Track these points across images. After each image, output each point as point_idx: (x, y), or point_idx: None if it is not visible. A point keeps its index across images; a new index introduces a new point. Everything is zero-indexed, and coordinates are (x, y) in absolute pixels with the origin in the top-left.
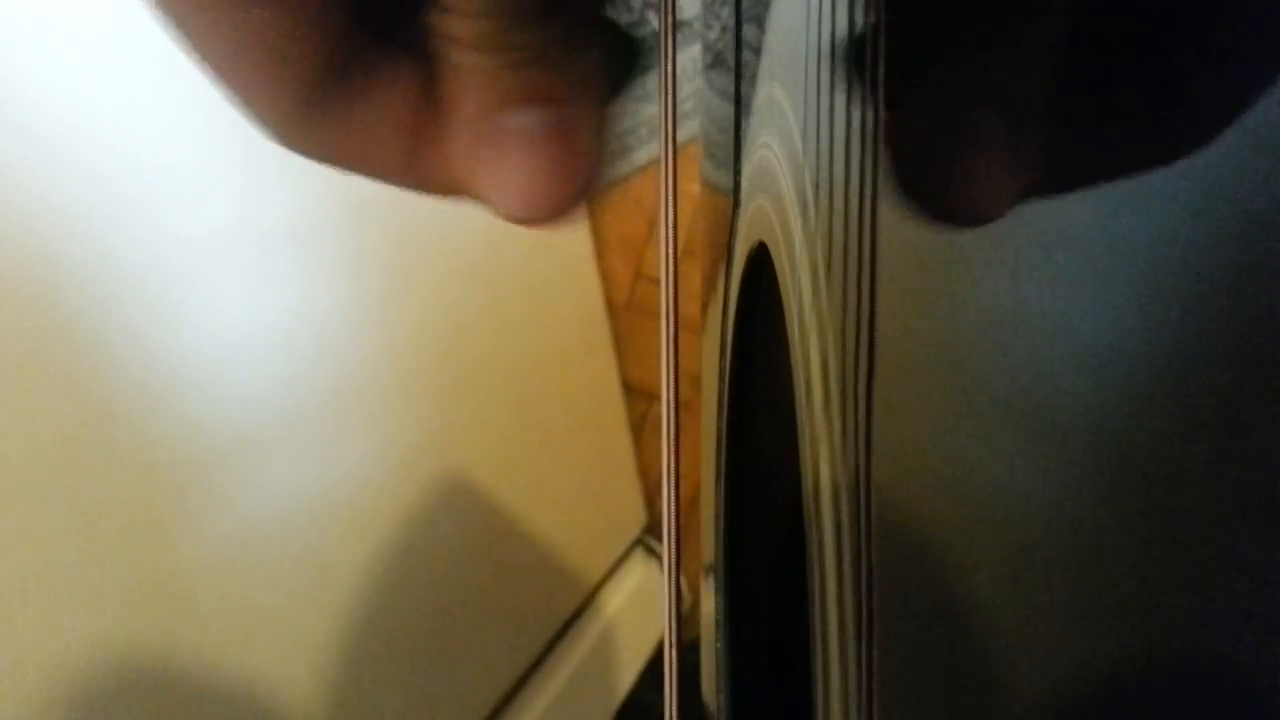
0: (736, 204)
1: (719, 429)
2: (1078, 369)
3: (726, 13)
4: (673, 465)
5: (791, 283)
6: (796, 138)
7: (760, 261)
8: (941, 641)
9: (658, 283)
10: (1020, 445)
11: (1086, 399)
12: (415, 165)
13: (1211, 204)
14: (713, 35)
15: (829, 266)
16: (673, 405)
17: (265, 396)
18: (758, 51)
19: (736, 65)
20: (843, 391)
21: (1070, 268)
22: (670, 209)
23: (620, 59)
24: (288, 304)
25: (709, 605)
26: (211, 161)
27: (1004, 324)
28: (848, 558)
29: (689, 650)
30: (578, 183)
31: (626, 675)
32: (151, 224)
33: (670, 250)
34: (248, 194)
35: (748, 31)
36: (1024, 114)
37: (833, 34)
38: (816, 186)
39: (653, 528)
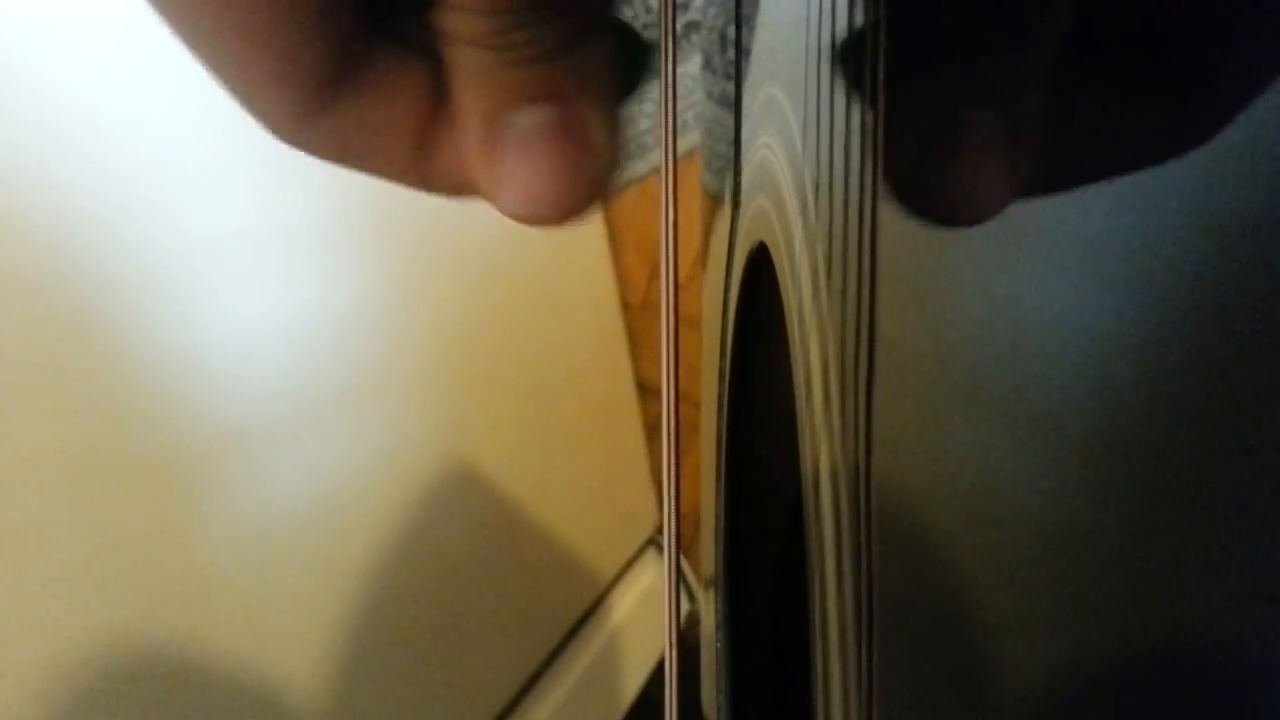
0: (736, 204)
1: (719, 429)
2: (1076, 367)
3: (713, 13)
4: (673, 465)
5: (791, 283)
6: (796, 138)
7: (760, 261)
8: (942, 641)
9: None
10: (1020, 444)
11: (1085, 397)
12: (423, 164)
13: (1206, 200)
14: (701, 36)
15: (829, 266)
16: (672, 405)
17: (278, 394)
18: (748, 53)
19: (736, 68)
20: (843, 391)
21: (1067, 265)
22: (670, 207)
23: (629, 58)
24: (302, 302)
25: (709, 606)
26: (230, 161)
27: (1003, 323)
28: (848, 557)
29: (690, 651)
30: (588, 182)
31: (638, 674)
32: (169, 222)
33: (670, 251)
34: (265, 193)
35: (736, 32)
36: (1022, 112)
37: (833, 34)
38: (816, 186)
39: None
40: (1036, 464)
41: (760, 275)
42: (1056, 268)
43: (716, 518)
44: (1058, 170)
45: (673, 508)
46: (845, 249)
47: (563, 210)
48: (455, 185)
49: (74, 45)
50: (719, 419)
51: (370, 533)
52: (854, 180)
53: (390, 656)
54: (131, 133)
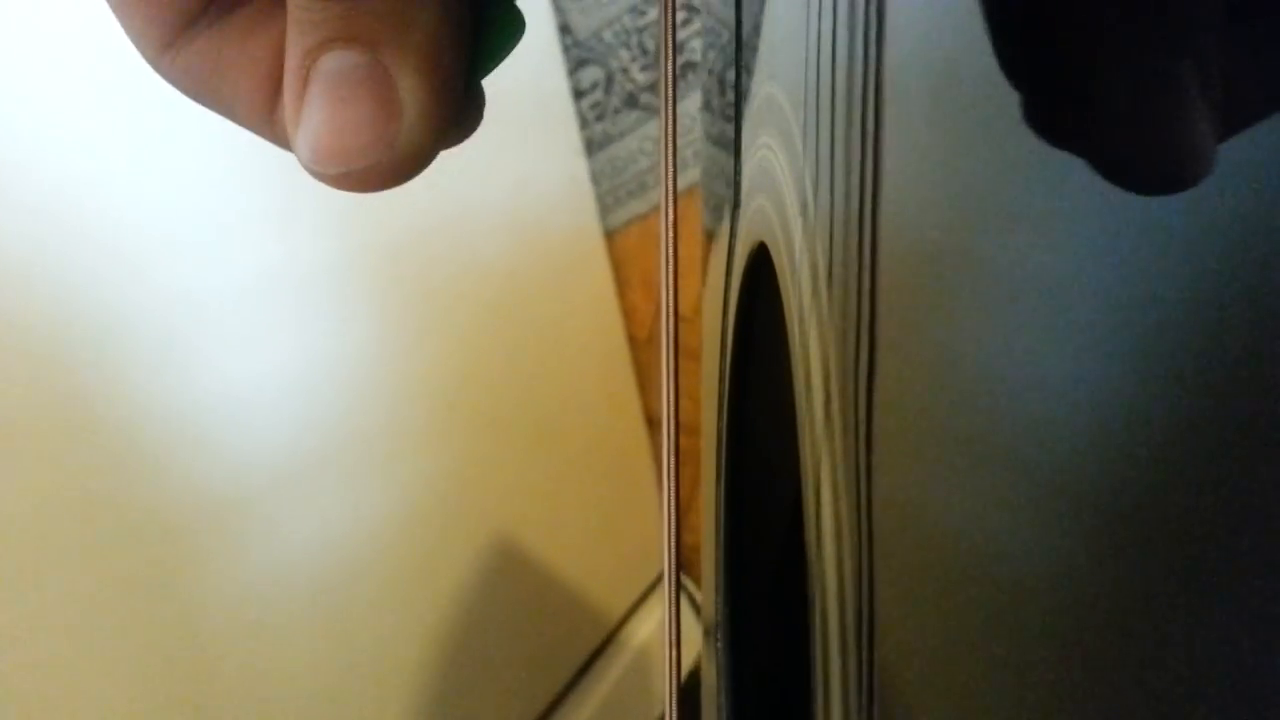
0: (736, 204)
1: (719, 429)
2: (1078, 368)
3: (713, 56)
4: (672, 467)
5: (791, 283)
6: (796, 138)
7: (760, 261)
8: (941, 644)
9: (680, 317)
10: (1022, 444)
11: (1087, 398)
12: (273, 113)
13: (1222, 248)
14: (700, 77)
15: (829, 266)
16: (673, 416)
17: (287, 441)
18: (749, 96)
19: (736, 110)
20: (843, 391)
21: (1069, 262)
22: (670, 204)
23: (490, 24)
24: (308, 352)
25: (709, 606)
26: (228, 215)
27: (1005, 322)
28: (847, 558)
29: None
30: (388, 145)
31: (651, 710)
32: (169, 278)
33: (670, 268)
34: (265, 247)
35: (736, 78)
36: (1212, 62)
37: (833, 34)
38: (816, 186)
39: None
40: (1038, 466)
41: (760, 275)
42: (1058, 268)
43: (716, 517)
44: (1243, 117)
45: (672, 506)
46: (845, 249)
47: (355, 170)
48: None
49: (71, 103)
50: (719, 418)
51: (382, 573)
52: (854, 180)
53: (402, 694)
54: (131, 191)
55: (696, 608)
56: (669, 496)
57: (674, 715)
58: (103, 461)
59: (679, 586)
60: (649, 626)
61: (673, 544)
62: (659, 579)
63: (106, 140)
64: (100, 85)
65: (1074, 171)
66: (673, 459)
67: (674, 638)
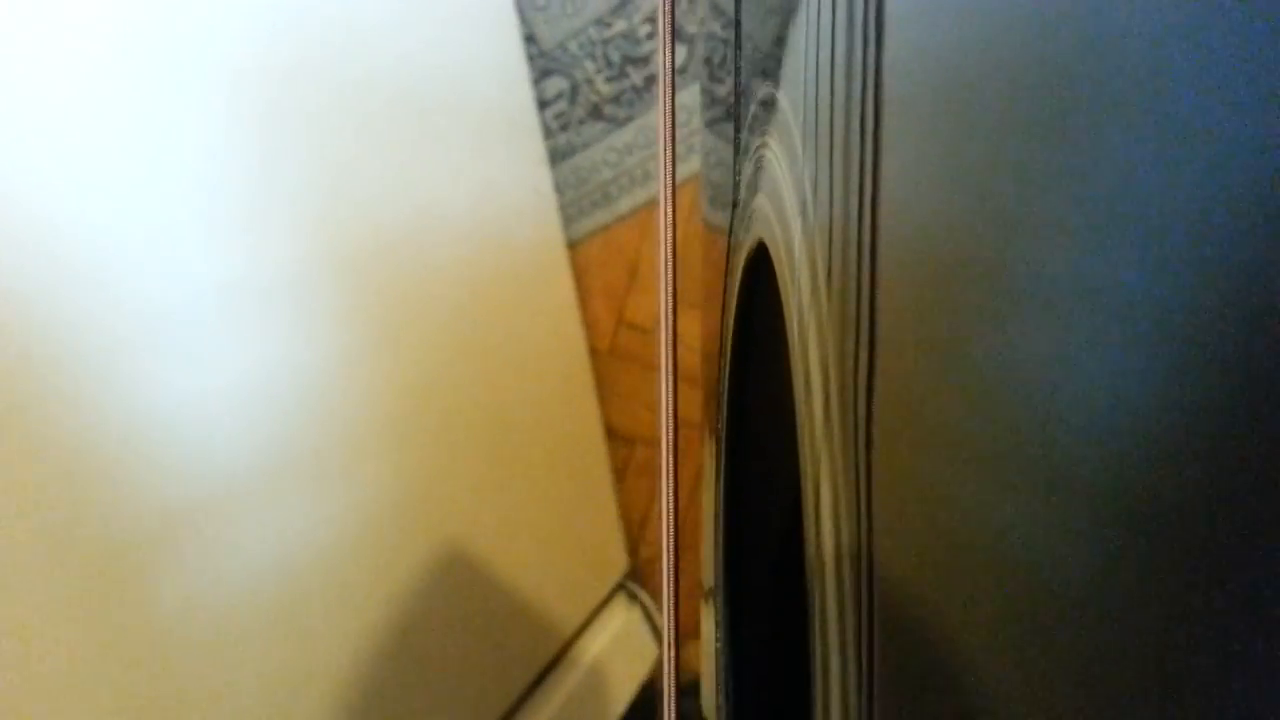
0: (736, 203)
1: (719, 427)
2: (1076, 367)
3: (712, 49)
4: (671, 469)
5: (791, 282)
6: (796, 138)
7: (760, 261)
8: (941, 643)
9: (640, 329)
10: (1019, 443)
11: (1085, 397)
12: None
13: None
14: (723, 90)
15: (829, 266)
16: (671, 417)
17: (243, 452)
18: (764, 104)
19: (736, 76)
20: (842, 391)
21: (1069, 268)
22: (670, 203)
23: None
24: (266, 358)
25: (709, 607)
26: (192, 221)
27: (1004, 322)
28: (847, 558)
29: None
30: None
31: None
32: (129, 283)
33: (669, 269)
34: (227, 253)
35: (754, 84)
36: None
37: (831, 35)
38: (816, 186)
39: (634, 572)
40: (1037, 465)
41: (760, 274)
42: (1056, 264)
43: (716, 516)
44: None
45: (671, 513)
46: (845, 249)
47: None
48: None
49: (17, 98)
50: (719, 417)
51: (336, 584)
52: (854, 180)
53: (355, 706)
54: (86, 196)
55: (651, 620)
56: (668, 497)
57: (672, 714)
58: (54, 471)
59: (678, 585)
60: (602, 641)
61: (672, 545)
62: (614, 592)
63: (57, 141)
64: (49, 79)
65: (1072, 171)
66: (672, 458)
67: (673, 638)
